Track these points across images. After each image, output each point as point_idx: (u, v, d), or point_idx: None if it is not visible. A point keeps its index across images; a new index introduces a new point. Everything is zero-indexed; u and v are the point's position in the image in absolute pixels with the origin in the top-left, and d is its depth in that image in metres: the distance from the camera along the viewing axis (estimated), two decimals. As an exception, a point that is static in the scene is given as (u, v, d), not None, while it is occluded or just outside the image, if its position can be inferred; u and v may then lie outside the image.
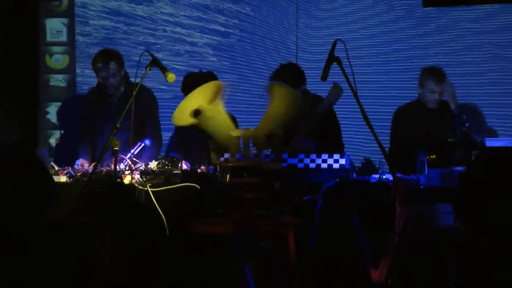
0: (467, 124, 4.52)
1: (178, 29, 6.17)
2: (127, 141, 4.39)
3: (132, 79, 4.88)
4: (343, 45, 3.64)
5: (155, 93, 5.15)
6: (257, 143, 3.66)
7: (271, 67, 5.53)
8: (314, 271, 3.68)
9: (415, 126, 4.95)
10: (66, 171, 4.32)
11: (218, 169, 3.78)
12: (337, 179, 3.86)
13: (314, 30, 6.11)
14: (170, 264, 3.82)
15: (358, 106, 3.55)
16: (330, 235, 3.77)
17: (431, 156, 4.05)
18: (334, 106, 4.78)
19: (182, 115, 3.76)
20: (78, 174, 4.29)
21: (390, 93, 5.86)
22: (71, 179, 4.24)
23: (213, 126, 3.76)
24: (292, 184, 3.91)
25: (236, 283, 3.74)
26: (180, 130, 5.10)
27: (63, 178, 4.24)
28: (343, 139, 5.02)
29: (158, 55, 4.37)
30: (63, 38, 6.14)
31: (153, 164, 4.17)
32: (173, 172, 4.05)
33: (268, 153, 3.85)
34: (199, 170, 4.20)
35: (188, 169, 4.22)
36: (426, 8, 5.84)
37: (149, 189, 3.92)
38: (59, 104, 6.10)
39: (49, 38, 6.13)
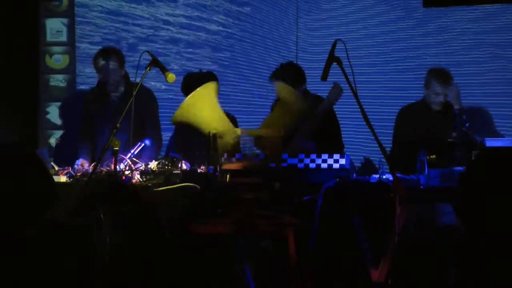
0: (467, 124, 4.52)
1: (178, 29, 6.17)
2: (127, 141, 4.39)
3: (132, 79, 4.88)
4: (343, 45, 3.64)
5: (154, 93, 5.15)
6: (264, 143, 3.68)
7: (271, 67, 5.53)
8: (314, 271, 3.68)
9: (418, 126, 4.94)
10: (66, 171, 4.32)
11: (218, 169, 3.78)
12: (337, 179, 3.86)
13: (314, 30, 6.11)
14: (170, 264, 3.82)
15: (358, 106, 3.54)
16: (330, 235, 3.77)
17: (431, 156, 4.05)
18: (334, 106, 4.79)
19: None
20: (78, 174, 4.28)
21: (390, 93, 5.87)
22: (71, 179, 4.24)
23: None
24: (292, 184, 3.91)
25: (236, 283, 3.74)
26: (180, 130, 5.10)
27: (63, 178, 4.24)
28: (343, 139, 5.02)
29: (158, 55, 4.37)
30: (63, 38, 6.14)
31: (153, 164, 4.17)
32: (173, 172, 4.05)
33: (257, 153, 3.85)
34: (199, 170, 4.20)
35: (188, 169, 4.22)
36: (426, 8, 5.84)
37: (149, 189, 3.92)
38: (59, 104, 6.11)
39: (49, 38, 6.13)
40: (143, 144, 4.50)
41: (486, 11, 5.78)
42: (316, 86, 4.88)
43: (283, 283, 3.63)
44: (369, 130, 3.53)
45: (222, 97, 4.70)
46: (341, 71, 3.64)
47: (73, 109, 5.83)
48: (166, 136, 5.40)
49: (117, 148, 3.95)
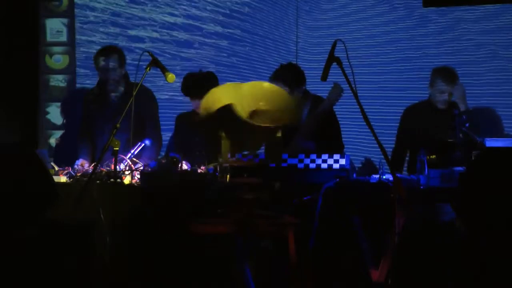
0: (467, 124, 4.51)
1: (177, 29, 6.17)
2: (127, 141, 4.40)
3: (132, 79, 4.88)
4: (343, 45, 3.63)
5: (154, 93, 5.15)
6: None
7: (271, 67, 5.53)
8: (314, 271, 3.68)
9: (422, 126, 4.92)
10: (66, 171, 4.33)
11: (218, 169, 3.78)
12: (337, 179, 3.86)
13: (314, 30, 6.11)
14: (170, 264, 3.82)
15: (358, 106, 3.54)
16: (330, 235, 3.77)
17: (431, 156, 4.05)
18: (334, 106, 4.78)
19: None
20: (78, 174, 4.29)
21: (390, 93, 5.86)
22: (71, 179, 4.24)
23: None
24: (292, 184, 3.91)
25: (236, 283, 3.74)
26: (180, 130, 5.10)
27: (63, 178, 4.25)
28: (343, 139, 5.02)
29: (158, 55, 4.37)
30: (63, 38, 6.14)
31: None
32: (173, 172, 4.05)
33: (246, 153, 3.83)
34: (199, 170, 4.20)
35: (188, 169, 4.22)
36: (426, 8, 5.84)
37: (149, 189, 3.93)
38: (59, 104, 6.10)
39: (49, 38, 6.13)
40: (143, 144, 4.50)
41: (486, 11, 5.78)
42: (316, 86, 4.88)
43: (283, 283, 3.63)
44: (369, 130, 3.53)
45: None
46: (341, 71, 3.64)
47: (73, 108, 5.83)
48: (166, 136, 5.40)
49: (117, 148, 3.95)
